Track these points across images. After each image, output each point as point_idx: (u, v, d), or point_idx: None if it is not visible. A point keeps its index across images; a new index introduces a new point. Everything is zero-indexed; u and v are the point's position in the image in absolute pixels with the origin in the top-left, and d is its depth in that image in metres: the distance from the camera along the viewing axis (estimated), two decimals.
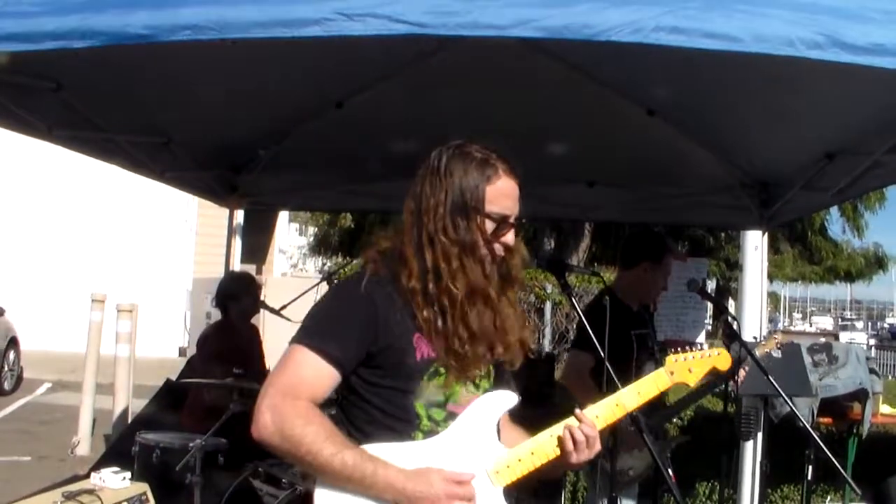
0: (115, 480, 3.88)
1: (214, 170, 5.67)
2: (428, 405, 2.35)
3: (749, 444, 6.33)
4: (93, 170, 17.26)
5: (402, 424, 2.34)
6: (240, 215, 19.28)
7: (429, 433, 2.34)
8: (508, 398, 2.44)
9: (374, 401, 2.35)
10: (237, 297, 5.69)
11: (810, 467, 5.94)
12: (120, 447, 6.60)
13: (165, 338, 17.53)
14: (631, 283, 4.71)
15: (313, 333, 2.32)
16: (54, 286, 17.25)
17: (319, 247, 23.36)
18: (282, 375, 2.28)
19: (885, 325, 63.78)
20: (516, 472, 2.36)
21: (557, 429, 2.38)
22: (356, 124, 5.09)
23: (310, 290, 6.02)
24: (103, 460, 6.71)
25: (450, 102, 4.88)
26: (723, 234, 19.87)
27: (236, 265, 19.57)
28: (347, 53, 3.88)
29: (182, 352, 18.28)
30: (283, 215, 22.81)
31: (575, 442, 2.36)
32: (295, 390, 2.25)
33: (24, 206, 17.83)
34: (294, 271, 26.00)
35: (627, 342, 4.37)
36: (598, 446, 2.39)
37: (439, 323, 2.31)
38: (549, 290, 12.93)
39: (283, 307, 5.83)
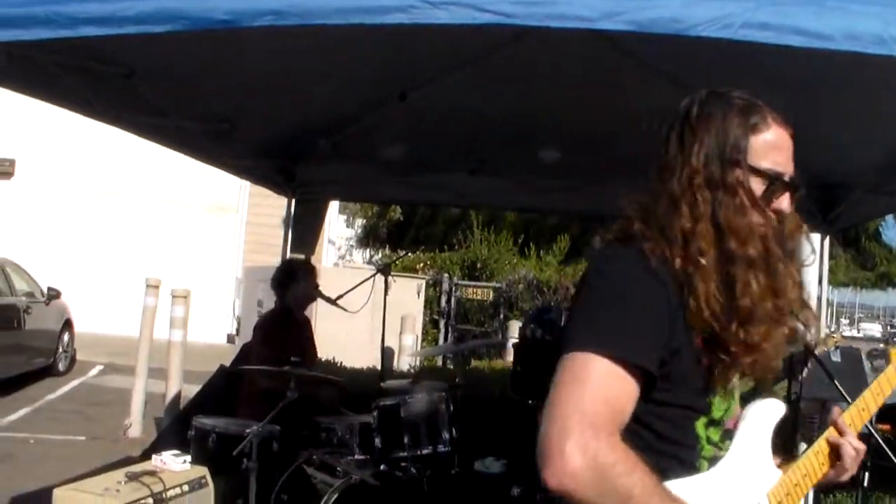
0: (175, 463, 3.91)
1: (275, 159, 5.68)
2: (707, 423, 1.87)
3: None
4: (147, 155, 17.60)
5: (685, 451, 1.84)
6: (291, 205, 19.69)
7: (713, 460, 1.88)
8: (777, 407, 1.98)
9: (657, 425, 1.81)
10: (294, 284, 5.68)
11: (867, 474, 5.79)
12: (173, 431, 6.72)
13: (214, 325, 17.67)
14: None
15: (607, 335, 1.70)
16: (106, 271, 17.46)
17: (367, 238, 23.45)
18: (581, 399, 1.65)
19: None
20: (795, 501, 1.98)
21: (821, 445, 2.06)
22: (419, 116, 5.07)
23: (364, 281, 6.06)
24: (157, 443, 6.83)
25: (517, 96, 4.84)
26: None
27: (286, 254, 19.81)
28: (415, 44, 3.86)
29: (230, 339, 18.45)
30: (333, 206, 22.89)
31: (844, 457, 2.02)
32: (604, 421, 1.65)
33: (78, 190, 18.07)
34: (342, 263, 26.15)
35: None
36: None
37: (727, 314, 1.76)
38: None
39: (340, 297, 5.85)
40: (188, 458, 4.00)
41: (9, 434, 8.94)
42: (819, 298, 6.64)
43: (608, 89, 4.65)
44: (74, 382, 12.47)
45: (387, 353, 10.46)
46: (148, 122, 4.38)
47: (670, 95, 4.40)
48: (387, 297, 6.05)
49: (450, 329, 13.78)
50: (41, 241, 17.14)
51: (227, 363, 6.80)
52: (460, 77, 4.69)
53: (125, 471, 3.76)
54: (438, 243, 19.65)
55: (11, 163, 18.27)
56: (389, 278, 6.00)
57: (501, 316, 13.60)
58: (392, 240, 22.52)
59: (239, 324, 18.58)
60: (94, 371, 13.49)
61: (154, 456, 3.98)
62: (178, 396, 8.32)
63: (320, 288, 5.92)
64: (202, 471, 4.04)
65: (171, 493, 3.73)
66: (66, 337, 13.04)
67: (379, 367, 9.63)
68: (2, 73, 3.23)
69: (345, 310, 5.90)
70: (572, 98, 4.73)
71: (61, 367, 12.90)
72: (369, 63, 4.39)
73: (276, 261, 18.70)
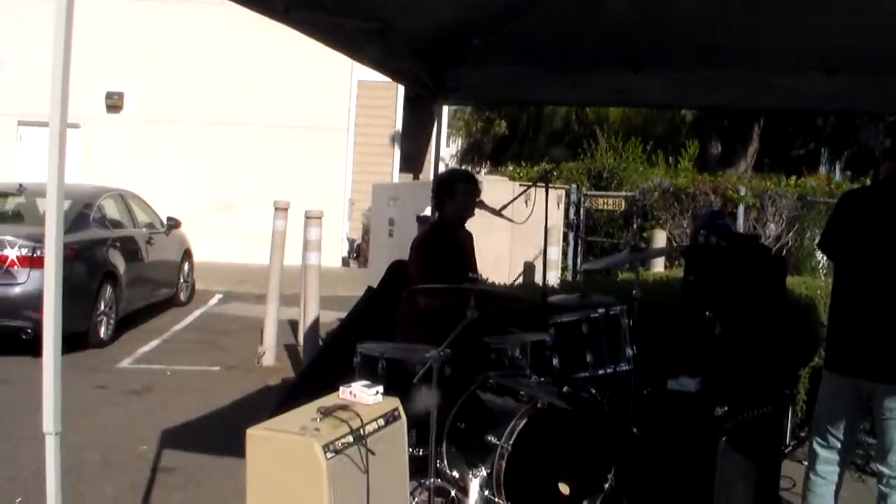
0: (367, 395, 3.58)
1: (427, 61, 5.26)
2: None
3: None
4: (252, 82, 17.49)
5: None
6: (398, 123, 19.38)
7: None
8: None
9: None
10: (454, 196, 5.28)
11: None
12: (325, 359, 6.46)
13: (327, 248, 17.61)
14: None
15: None
16: (212, 200, 17.49)
17: (471, 154, 23.05)
18: None
19: None
20: None
21: None
22: (584, 9, 4.57)
23: (526, 190, 5.67)
24: (308, 373, 6.60)
25: None
26: None
27: (395, 174, 19.65)
28: None
29: (345, 262, 18.39)
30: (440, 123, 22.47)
31: None
32: None
33: (186, 120, 18.06)
34: None
35: None
36: None
37: None
38: (742, 193, 12.23)
39: (504, 207, 5.45)
40: (380, 388, 3.66)
41: (144, 366, 8.91)
42: None
43: None
44: (197, 312, 12.48)
45: (527, 269, 10.16)
46: (312, 18, 4.01)
47: None
48: (547, 207, 5.64)
49: (579, 242, 13.30)
50: (153, 172, 17.20)
51: (346, 287, 6.49)
52: None
53: (317, 406, 3.44)
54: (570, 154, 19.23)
55: (120, 96, 18.31)
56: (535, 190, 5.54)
57: (635, 226, 13.04)
58: (497, 154, 22.05)
59: (351, 246, 18.51)
60: (213, 300, 13.50)
61: (342, 388, 3.64)
62: (316, 322, 8.08)
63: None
64: (394, 402, 3.71)
65: (369, 427, 3.40)
66: (186, 267, 13.03)
67: (517, 282, 9.41)
68: None
69: (511, 220, 5.51)
70: None
71: (183, 297, 12.93)
72: None
73: (388, 180, 18.60)
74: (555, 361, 4.72)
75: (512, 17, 4.74)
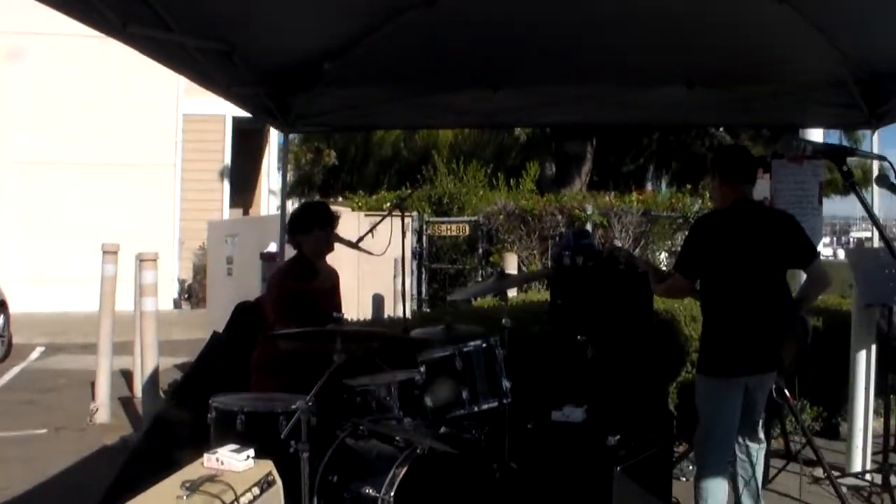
0: (236, 461, 3.15)
1: (273, 87, 4.92)
2: None
3: (862, 357, 5.86)
4: (70, 119, 16.52)
5: None
6: (227, 157, 18.75)
7: None
8: None
9: None
10: (310, 231, 4.94)
11: None
12: (170, 413, 5.92)
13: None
14: None
15: None
16: (30, 245, 16.45)
17: (301, 185, 22.57)
18: None
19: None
20: None
21: None
22: (439, 28, 4.42)
23: (383, 219, 5.39)
24: (152, 431, 6.01)
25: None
26: None
27: (225, 210, 18.97)
28: None
29: (176, 304, 17.54)
30: (271, 156, 21.94)
31: None
32: None
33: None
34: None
35: None
36: None
37: None
38: (589, 211, 12.36)
39: (360, 239, 5.15)
40: (251, 452, 3.24)
41: None
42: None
43: None
44: (16, 369, 11.48)
45: (375, 301, 9.83)
46: (153, 36, 3.61)
47: None
48: (404, 238, 5.41)
49: (423, 270, 13.08)
50: None
51: (182, 330, 6.01)
52: None
53: (181, 479, 2.99)
54: (399, 181, 19.04)
55: None
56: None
57: (481, 251, 12.94)
58: (327, 185, 21.72)
59: (182, 287, 17.70)
60: (34, 354, 12.52)
61: (207, 455, 3.21)
62: (156, 372, 7.46)
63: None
64: (267, 465, 3.31)
65: (243, 500, 2.99)
66: (0, 319, 11.96)
67: (368, 317, 9.08)
68: None
69: (370, 253, 5.22)
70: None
71: None
72: None
73: (218, 216, 17.98)
74: (427, 401, 4.44)
75: (362, 41, 4.51)
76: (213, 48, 4.10)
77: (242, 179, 19.23)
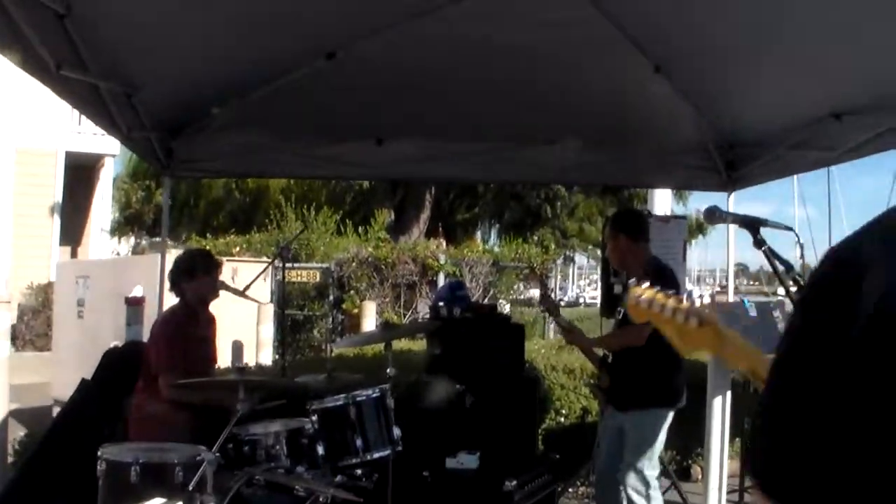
0: None
1: (160, 130, 4.86)
2: None
3: (717, 402, 6.24)
4: None
5: None
6: (58, 194, 17.85)
7: None
8: None
9: None
10: (193, 277, 4.88)
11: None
12: (36, 467, 5.58)
13: None
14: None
15: None
16: None
17: (130, 224, 21.86)
18: None
19: None
20: None
21: None
22: (326, 82, 4.54)
23: (268, 266, 5.39)
24: (13, 491, 5.62)
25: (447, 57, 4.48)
26: (558, 204, 20.13)
27: (55, 247, 18.00)
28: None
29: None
30: (104, 193, 21.05)
31: None
32: None
33: None
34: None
35: None
36: None
37: None
38: (442, 261, 12.55)
39: (247, 287, 5.12)
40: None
41: None
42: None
43: (543, 44, 4.44)
44: None
45: (235, 348, 9.54)
46: (78, 77, 3.52)
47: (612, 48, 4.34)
48: (285, 281, 5.43)
49: (284, 316, 12.89)
50: None
51: (19, 375, 5.68)
52: (391, 35, 4.27)
53: None
54: (232, 223, 18.59)
55: None
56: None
57: (331, 297, 12.86)
58: (157, 224, 21.17)
59: (14, 332, 16.66)
60: None
61: None
62: (5, 425, 6.97)
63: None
64: None
65: None
66: None
67: (229, 364, 8.77)
68: None
69: (257, 301, 5.18)
70: (505, 54, 4.46)
71: None
72: (285, 22, 3.92)
73: (46, 254, 17.03)
74: (320, 449, 4.44)
75: (252, 89, 4.57)
76: (117, 90, 4.05)
77: (72, 216, 18.37)
